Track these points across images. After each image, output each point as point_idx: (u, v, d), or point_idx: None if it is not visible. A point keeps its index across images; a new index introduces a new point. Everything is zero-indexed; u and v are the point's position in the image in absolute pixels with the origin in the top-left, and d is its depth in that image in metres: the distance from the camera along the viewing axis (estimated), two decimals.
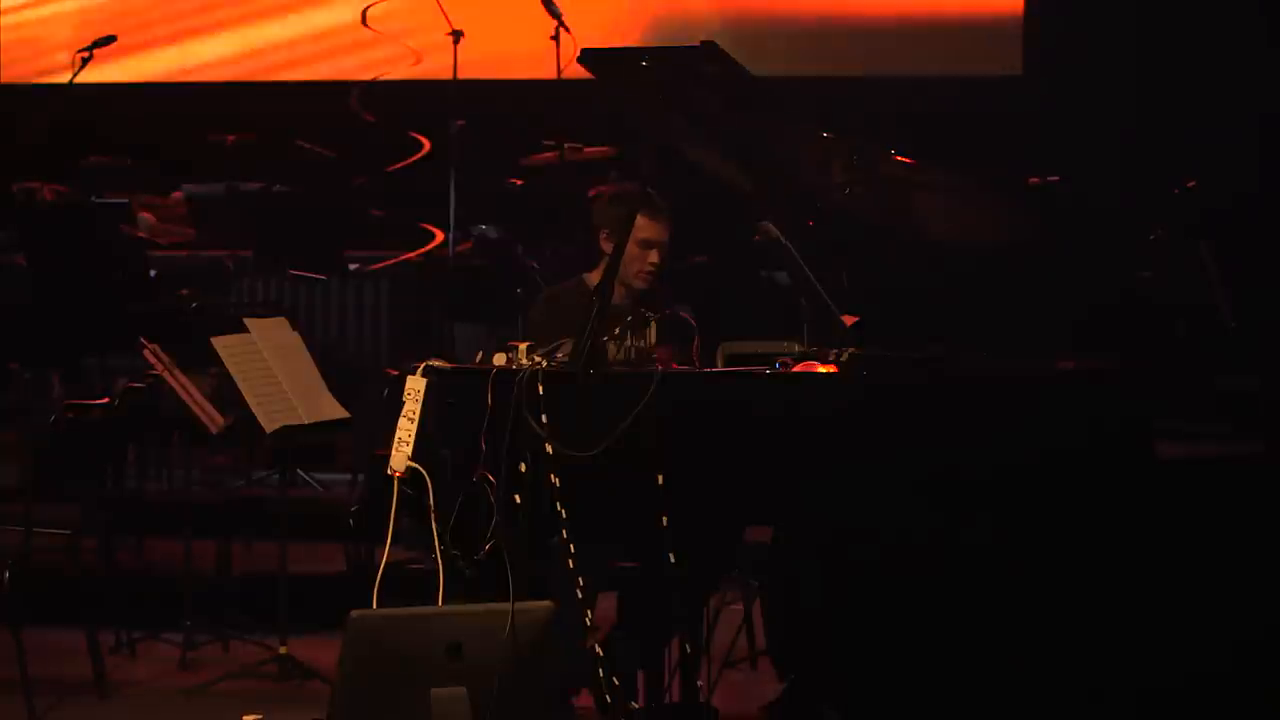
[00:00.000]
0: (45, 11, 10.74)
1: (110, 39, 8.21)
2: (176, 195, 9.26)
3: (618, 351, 4.59)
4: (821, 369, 4.44)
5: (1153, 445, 4.36)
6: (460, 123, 8.22)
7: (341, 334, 8.27)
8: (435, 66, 8.58)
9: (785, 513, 4.53)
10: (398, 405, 4.42)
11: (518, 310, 7.12)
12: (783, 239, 4.70)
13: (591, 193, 6.95)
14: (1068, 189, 7.50)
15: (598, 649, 4.40)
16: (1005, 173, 7.74)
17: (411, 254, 8.66)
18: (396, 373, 4.56)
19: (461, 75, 8.32)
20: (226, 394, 5.85)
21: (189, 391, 5.95)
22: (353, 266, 8.67)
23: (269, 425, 5.78)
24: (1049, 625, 4.33)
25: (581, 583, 4.31)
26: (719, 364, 4.69)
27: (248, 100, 10.11)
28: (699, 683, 4.66)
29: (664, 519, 4.25)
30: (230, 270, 8.50)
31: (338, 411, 6.02)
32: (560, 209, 7.96)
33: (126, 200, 8.69)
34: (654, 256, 5.22)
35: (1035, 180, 7.69)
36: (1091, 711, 4.37)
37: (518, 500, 4.32)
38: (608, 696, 4.49)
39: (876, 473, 4.30)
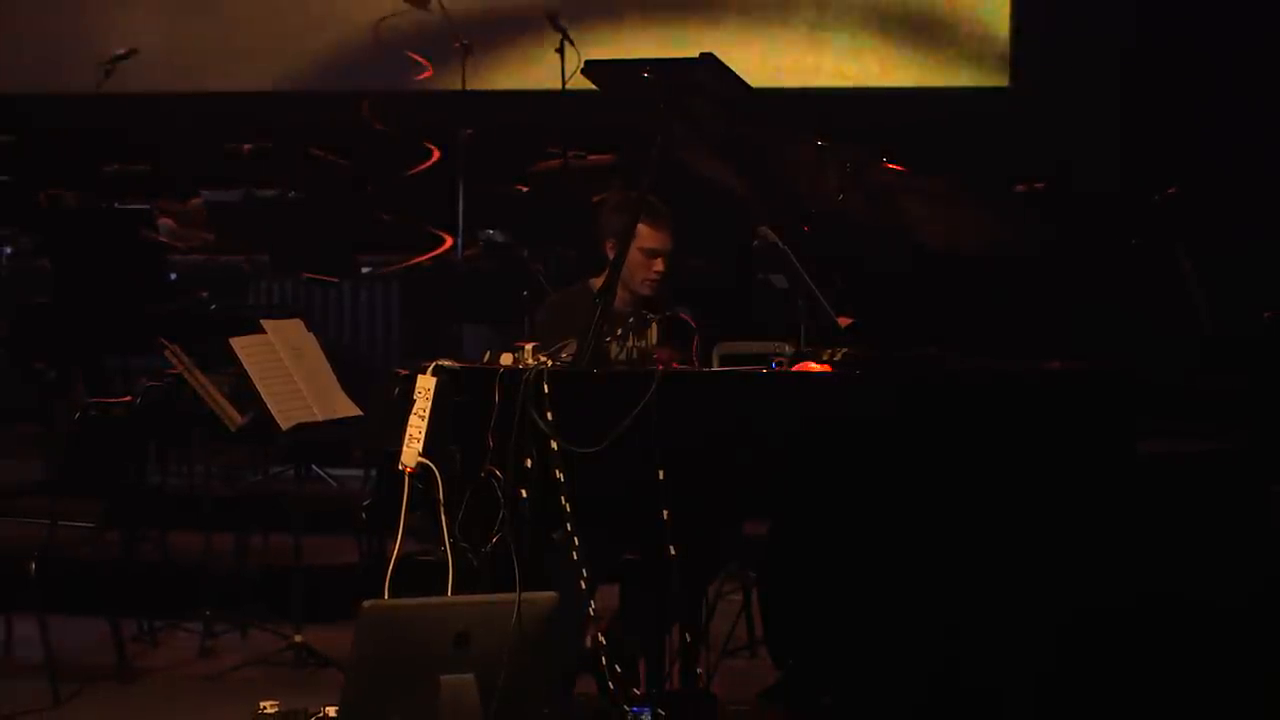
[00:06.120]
0: (70, 23, 10.88)
1: (132, 52, 8.39)
2: (195, 201, 9.32)
3: (620, 351, 4.64)
4: (814, 368, 4.47)
5: (1135, 443, 4.41)
6: (469, 131, 8.34)
7: (354, 335, 8.42)
8: (445, 78, 8.72)
9: (781, 507, 4.58)
10: (408, 403, 4.43)
11: (524, 312, 7.13)
12: (780, 243, 4.74)
13: (595, 199, 7.04)
14: (1053, 195, 7.61)
15: (600, 638, 4.43)
16: (993, 180, 7.82)
17: (421, 258, 8.75)
18: (407, 372, 4.56)
19: (470, 86, 8.44)
20: (244, 392, 5.87)
21: (208, 390, 5.98)
22: (365, 270, 8.74)
23: (285, 423, 5.80)
24: (1037, 617, 4.39)
25: (585, 574, 4.34)
26: (714, 364, 4.71)
27: (264, 110, 10.17)
28: (699, 670, 4.67)
29: (665, 513, 4.28)
30: (247, 273, 8.58)
31: (351, 409, 6.05)
32: (565, 214, 7.98)
33: (147, 206, 8.71)
34: (659, 265, 5.20)
35: (1022, 187, 7.82)
36: (1079, 701, 4.45)
37: (524, 494, 4.34)
38: (610, 684, 4.46)
39: (868, 468, 4.35)
